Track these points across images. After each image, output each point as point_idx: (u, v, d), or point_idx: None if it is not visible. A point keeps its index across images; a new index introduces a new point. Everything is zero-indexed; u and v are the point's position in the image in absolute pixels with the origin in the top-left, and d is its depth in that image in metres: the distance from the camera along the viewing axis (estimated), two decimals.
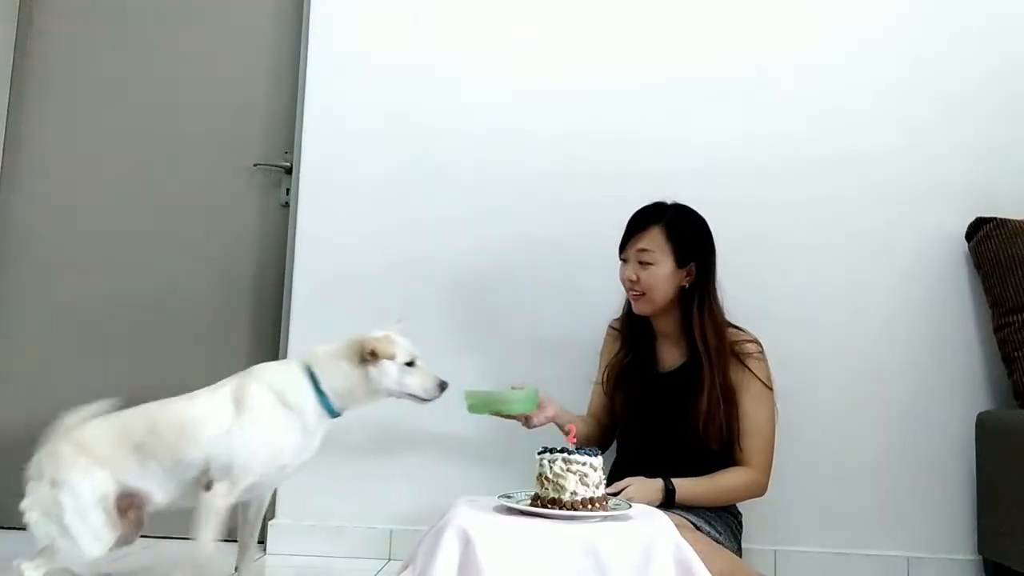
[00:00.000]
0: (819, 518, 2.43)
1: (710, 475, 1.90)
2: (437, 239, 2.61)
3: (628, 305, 2.12)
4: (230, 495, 1.86)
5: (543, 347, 2.51)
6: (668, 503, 1.82)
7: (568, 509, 1.53)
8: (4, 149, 2.90)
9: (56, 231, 2.85)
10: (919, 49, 2.59)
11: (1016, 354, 2.28)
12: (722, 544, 1.82)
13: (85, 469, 1.86)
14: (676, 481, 1.85)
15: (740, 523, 2.02)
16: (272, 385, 1.92)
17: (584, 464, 1.55)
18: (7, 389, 2.79)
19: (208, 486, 1.85)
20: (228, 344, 2.73)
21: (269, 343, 2.71)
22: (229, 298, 2.78)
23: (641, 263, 2.00)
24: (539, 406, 1.99)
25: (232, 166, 2.83)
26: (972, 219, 2.44)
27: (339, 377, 1.94)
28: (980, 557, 2.37)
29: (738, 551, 1.94)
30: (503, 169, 2.62)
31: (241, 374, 1.97)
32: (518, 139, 2.62)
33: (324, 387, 1.93)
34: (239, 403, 1.89)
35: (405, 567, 1.58)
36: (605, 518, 1.55)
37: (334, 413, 1.96)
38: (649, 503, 1.77)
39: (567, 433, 1.71)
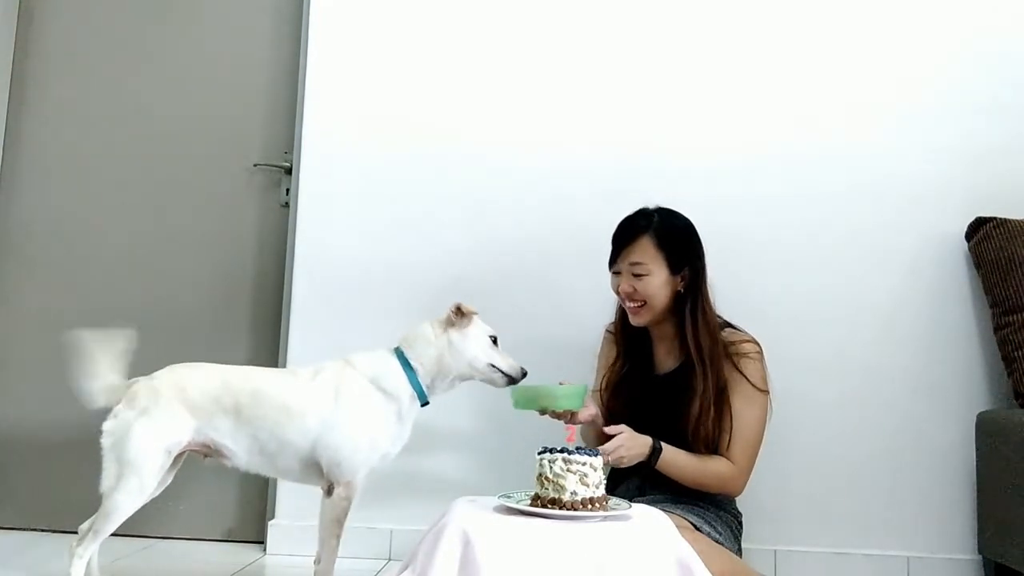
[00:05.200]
0: (819, 518, 2.43)
1: (698, 455, 1.91)
2: (436, 239, 2.61)
3: (621, 311, 2.10)
4: (350, 496, 1.88)
5: (541, 347, 2.49)
6: (651, 463, 1.86)
7: (568, 509, 1.52)
8: (4, 149, 2.90)
9: (56, 231, 2.85)
10: (919, 49, 2.59)
11: (1016, 354, 2.28)
12: (722, 544, 1.82)
13: (175, 412, 1.90)
14: (665, 445, 1.87)
15: (740, 523, 2.02)
16: (367, 373, 1.93)
17: (584, 464, 1.55)
18: (7, 389, 2.79)
19: (329, 491, 1.89)
20: (228, 344, 2.73)
21: (269, 343, 2.72)
22: (229, 298, 2.78)
23: (636, 275, 1.97)
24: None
25: (232, 166, 2.83)
26: (972, 219, 2.44)
27: (424, 345, 1.94)
28: (980, 557, 2.37)
29: (738, 551, 1.94)
30: (503, 170, 2.62)
31: (339, 362, 1.97)
32: (518, 140, 2.62)
33: (413, 362, 1.93)
34: (338, 394, 1.90)
35: (405, 567, 1.57)
36: (605, 518, 1.55)
37: (423, 396, 1.95)
38: (636, 457, 1.83)
39: (567, 431, 1.71)
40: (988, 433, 2.32)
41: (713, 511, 1.92)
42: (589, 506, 1.53)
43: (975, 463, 2.38)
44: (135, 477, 1.85)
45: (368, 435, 1.90)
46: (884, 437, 2.45)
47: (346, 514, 1.89)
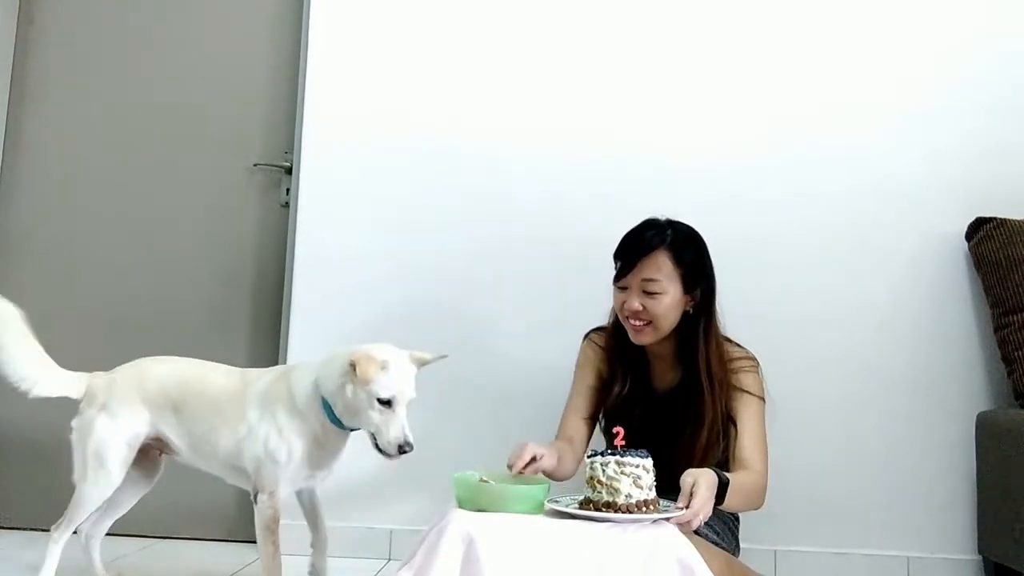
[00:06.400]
0: (819, 518, 2.43)
1: (733, 475, 1.75)
2: (437, 239, 2.61)
3: (615, 328, 2.00)
4: (274, 505, 1.85)
5: (541, 349, 2.50)
6: (720, 496, 1.64)
7: (623, 512, 1.50)
8: (4, 149, 2.90)
9: (56, 231, 2.85)
10: (919, 49, 2.59)
11: (1016, 354, 2.28)
12: (719, 544, 1.80)
13: (132, 405, 1.93)
14: (728, 475, 1.69)
15: (737, 519, 1.99)
16: (293, 388, 1.86)
17: (637, 466, 1.52)
18: (7, 389, 2.78)
19: (255, 498, 1.87)
20: (228, 344, 2.72)
21: (269, 343, 2.72)
22: (229, 298, 2.78)
23: (648, 293, 1.85)
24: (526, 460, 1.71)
25: (232, 166, 2.83)
26: (972, 219, 2.44)
27: (328, 381, 1.79)
28: (980, 557, 2.37)
29: (736, 548, 1.93)
30: (504, 170, 2.62)
31: (281, 370, 1.94)
32: (519, 140, 2.62)
33: (323, 392, 1.81)
34: (265, 404, 1.86)
35: (405, 566, 1.57)
36: (656, 520, 1.52)
37: (338, 423, 1.82)
38: (710, 506, 1.60)
39: (615, 435, 1.63)
40: (988, 433, 2.32)
41: (714, 510, 1.90)
42: (643, 508, 1.51)
43: (975, 463, 2.38)
44: (102, 470, 1.90)
45: (285, 449, 1.83)
46: (884, 437, 2.45)
47: (275, 522, 1.85)
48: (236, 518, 2.69)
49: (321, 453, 1.87)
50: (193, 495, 2.64)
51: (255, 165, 2.82)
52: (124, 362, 2.04)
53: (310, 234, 2.64)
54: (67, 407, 1.99)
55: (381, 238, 2.62)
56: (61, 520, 1.94)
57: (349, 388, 1.74)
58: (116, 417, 1.92)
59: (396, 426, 1.72)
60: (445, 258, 2.60)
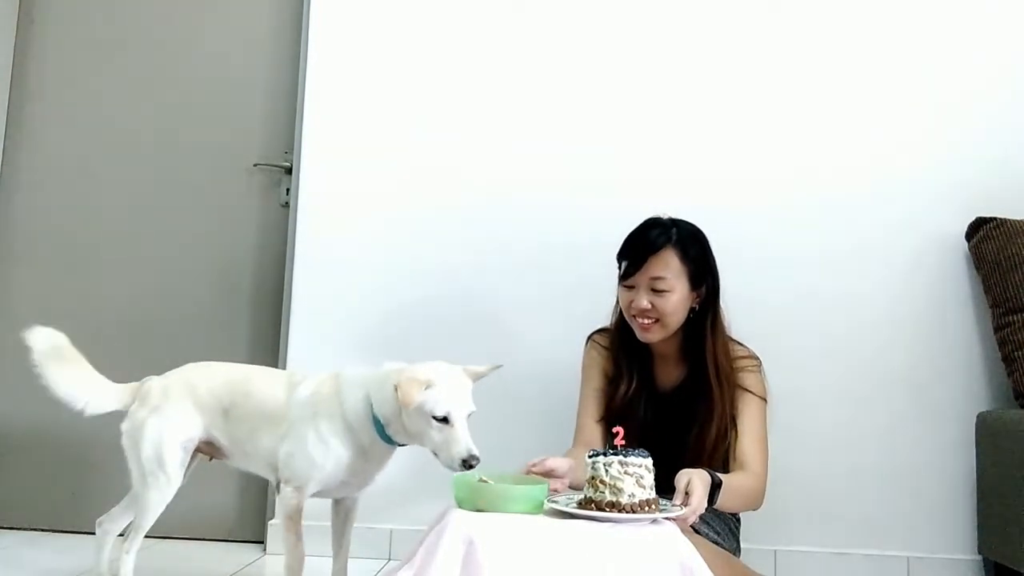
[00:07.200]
0: (819, 518, 2.43)
1: (730, 476, 1.78)
2: (437, 239, 2.60)
3: (619, 327, 2.03)
4: (296, 498, 1.84)
5: (545, 348, 2.50)
6: (712, 497, 1.67)
7: (627, 512, 1.50)
8: (4, 149, 2.90)
9: (56, 231, 2.85)
10: (919, 49, 2.59)
11: (1016, 354, 2.28)
12: (719, 544, 1.80)
13: (186, 409, 1.93)
14: (721, 476, 1.70)
15: (738, 519, 2.00)
16: (342, 397, 1.84)
17: (640, 466, 1.52)
18: (7, 389, 2.78)
19: (278, 488, 1.87)
20: (228, 344, 2.72)
21: (269, 343, 2.71)
22: (229, 298, 2.78)
23: (656, 291, 1.88)
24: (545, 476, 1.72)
25: (232, 166, 2.83)
26: (972, 219, 2.44)
27: (386, 408, 1.78)
28: (980, 557, 2.37)
29: (736, 549, 1.93)
30: (504, 169, 2.61)
31: (327, 376, 1.91)
32: (519, 140, 2.62)
33: (375, 411, 1.80)
34: (309, 406, 1.85)
35: (404, 565, 1.56)
36: (655, 520, 1.52)
37: (389, 441, 1.82)
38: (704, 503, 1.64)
39: (615, 435, 1.62)
40: (988, 433, 2.32)
41: (710, 510, 1.90)
42: (646, 508, 1.51)
43: (975, 463, 2.38)
44: (160, 473, 1.90)
45: (321, 452, 1.82)
46: (884, 437, 2.45)
47: (298, 512, 1.84)
48: (236, 518, 2.69)
49: (365, 464, 1.87)
50: (193, 495, 2.61)
51: (255, 165, 2.82)
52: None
53: (310, 234, 2.64)
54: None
55: (381, 238, 2.62)
56: (128, 531, 1.94)
57: (403, 412, 1.73)
58: (168, 420, 1.91)
59: (457, 441, 1.70)
60: (446, 257, 2.59)
